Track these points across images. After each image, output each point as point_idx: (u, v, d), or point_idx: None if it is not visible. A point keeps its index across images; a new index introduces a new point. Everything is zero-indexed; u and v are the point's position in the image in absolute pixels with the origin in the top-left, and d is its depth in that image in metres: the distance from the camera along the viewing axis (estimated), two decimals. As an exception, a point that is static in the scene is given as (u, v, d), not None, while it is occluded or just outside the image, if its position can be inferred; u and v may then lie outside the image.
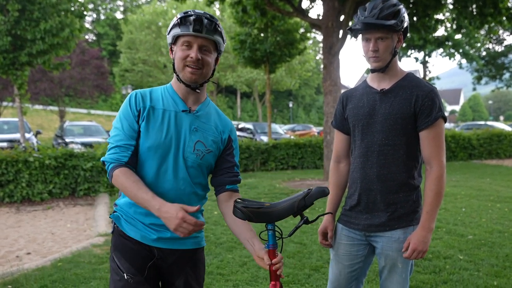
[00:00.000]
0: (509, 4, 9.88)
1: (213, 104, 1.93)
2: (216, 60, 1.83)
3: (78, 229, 6.19)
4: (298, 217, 1.75)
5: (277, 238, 1.74)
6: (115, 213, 1.83)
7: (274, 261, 1.68)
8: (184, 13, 1.74)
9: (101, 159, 1.77)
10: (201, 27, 1.70)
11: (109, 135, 1.84)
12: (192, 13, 1.71)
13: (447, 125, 40.21)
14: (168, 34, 1.79)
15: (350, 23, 9.15)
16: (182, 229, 1.57)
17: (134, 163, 1.75)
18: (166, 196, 1.72)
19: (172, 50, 1.81)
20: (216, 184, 1.91)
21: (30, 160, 7.76)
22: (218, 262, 4.32)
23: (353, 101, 2.15)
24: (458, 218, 6.06)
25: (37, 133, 15.44)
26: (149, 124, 1.75)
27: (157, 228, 1.76)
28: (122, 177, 1.69)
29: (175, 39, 1.76)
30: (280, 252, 1.75)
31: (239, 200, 1.75)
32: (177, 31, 1.73)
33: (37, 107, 31.56)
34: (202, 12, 1.74)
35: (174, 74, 1.81)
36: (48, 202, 7.96)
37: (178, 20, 1.72)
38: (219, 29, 1.76)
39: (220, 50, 1.83)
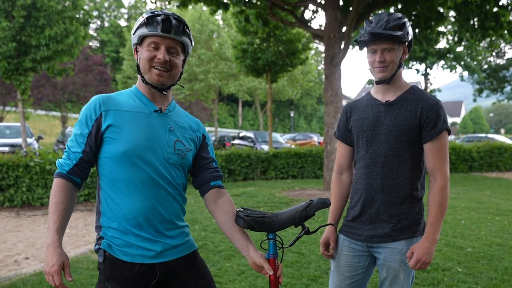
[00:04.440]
0: (510, 18, 9.95)
1: (179, 106, 1.89)
2: (183, 62, 1.78)
3: (77, 234, 6.19)
4: (299, 227, 1.76)
5: (277, 248, 1.74)
6: (103, 241, 1.69)
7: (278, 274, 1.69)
8: (151, 12, 1.67)
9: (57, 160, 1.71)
10: (170, 28, 1.64)
11: None
12: (160, 13, 1.65)
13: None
14: (134, 34, 1.70)
15: (352, 34, 9.21)
16: (49, 279, 1.59)
17: (77, 172, 1.67)
18: (155, 201, 1.67)
19: (137, 51, 1.72)
20: (199, 184, 1.85)
21: (31, 165, 7.79)
22: (216, 271, 4.31)
23: (357, 113, 2.16)
24: (457, 231, 6.05)
25: (39, 138, 15.51)
26: (118, 128, 1.65)
27: (156, 238, 1.69)
28: (53, 190, 1.65)
29: (141, 39, 1.69)
30: (280, 262, 1.75)
31: (242, 209, 1.73)
32: (143, 31, 1.65)
33: (39, 112, 31.70)
34: (170, 12, 1.67)
35: (139, 76, 1.73)
36: (48, 207, 7.96)
37: (145, 19, 1.65)
38: (187, 30, 1.71)
39: (187, 52, 1.77)
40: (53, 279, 1.57)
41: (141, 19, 1.68)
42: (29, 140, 14.39)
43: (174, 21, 1.65)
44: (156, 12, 1.66)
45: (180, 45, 1.71)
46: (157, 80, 1.68)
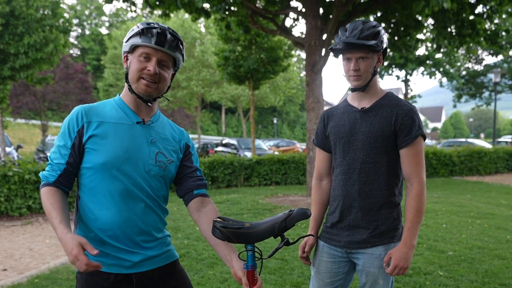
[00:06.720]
0: (486, 26, 10.20)
1: (164, 116, 1.87)
2: (172, 76, 1.78)
3: (57, 244, 6.06)
4: (279, 238, 1.71)
5: (256, 259, 1.70)
6: None
7: None
8: (147, 23, 1.67)
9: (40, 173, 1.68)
10: (164, 42, 1.64)
11: None
12: (156, 26, 1.66)
13: (429, 142, 40.80)
14: (126, 42, 1.69)
15: (332, 42, 9.31)
16: (76, 265, 1.44)
17: (62, 182, 1.64)
18: (132, 213, 1.65)
19: (127, 59, 1.71)
20: (183, 193, 1.83)
21: (10, 174, 7.62)
22: (198, 279, 4.27)
23: (334, 120, 2.18)
24: (438, 234, 6.13)
25: (18, 147, 15.16)
26: (99, 139, 1.64)
27: (133, 249, 1.67)
28: (44, 197, 1.60)
29: (133, 48, 1.68)
30: (260, 273, 1.72)
31: (219, 220, 1.67)
32: (136, 40, 1.65)
33: (19, 121, 31.10)
34: (166, 26, 1.68)
35: (126, 84, 1.72)
36: (27, 217, 7.80)
37: (140, 30, 1.65)
38: (180, 46, 1.72)
39: (177, 67, 1.78)
40: (80, 262, 1.42)
41: (136, 29, 1.67)
42: (8, 149, 14.09)
43: (169, 36, 1.65)
44: (152, 25, 1.66)
45: (171, 59, 1.71)
46: (144, 90, 1.67)
